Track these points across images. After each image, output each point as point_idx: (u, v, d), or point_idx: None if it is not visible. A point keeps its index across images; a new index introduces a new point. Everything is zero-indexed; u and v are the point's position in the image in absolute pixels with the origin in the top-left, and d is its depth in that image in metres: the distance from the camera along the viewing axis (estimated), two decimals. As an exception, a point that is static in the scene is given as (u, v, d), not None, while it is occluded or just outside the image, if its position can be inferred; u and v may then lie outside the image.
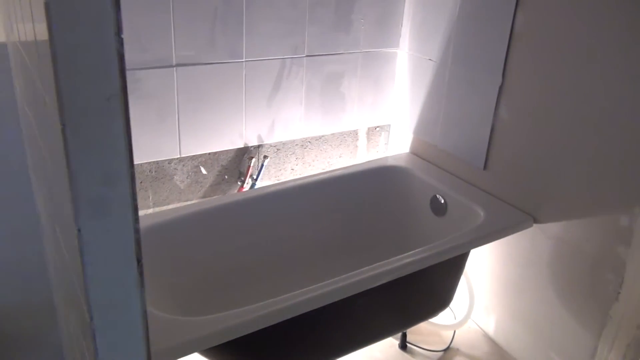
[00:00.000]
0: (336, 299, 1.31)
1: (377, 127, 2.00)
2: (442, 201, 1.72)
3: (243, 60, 1.62)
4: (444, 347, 1.74)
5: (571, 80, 1.39)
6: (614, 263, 1.36)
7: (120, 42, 0.57)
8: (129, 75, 1.44)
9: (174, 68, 1.52)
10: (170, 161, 1.63)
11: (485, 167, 1.67)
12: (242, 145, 1.72)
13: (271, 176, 1.83)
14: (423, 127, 1.87)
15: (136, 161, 1.56)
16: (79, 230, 0.63)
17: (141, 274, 0.69)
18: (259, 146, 1.76)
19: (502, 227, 1.55)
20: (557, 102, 1.43)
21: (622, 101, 1.28)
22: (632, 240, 1.31)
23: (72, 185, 0.60)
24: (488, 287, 1.75)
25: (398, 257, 1.40)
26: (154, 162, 1.60)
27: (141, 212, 1.63)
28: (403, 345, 1.72)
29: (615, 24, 1.27)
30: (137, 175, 1.58)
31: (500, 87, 1.57)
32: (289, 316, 1.24)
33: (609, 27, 1.28)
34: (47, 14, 0.52)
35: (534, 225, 1.55)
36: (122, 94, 0.59)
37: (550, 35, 1.42)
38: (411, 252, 1.42)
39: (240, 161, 1.75)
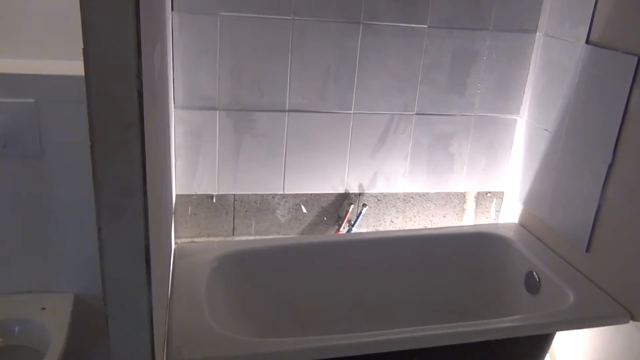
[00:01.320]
0: (404, 348, 1.31)
1: (489, 193, 1.96)
2: (537, 279, 1.62)
3: (351, 112, 1.73)
4: None
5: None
6: None
7: (140, 83, 0.72)
8: (246, 115, 1.65)
9: (287, 113, 1.69)
10: (274, 196, 1.79)
11: (587, 250, 1.54)
12: (343, 191, 1.82)
13: (369, 225, 1.90)
14: (533, 199, 1.79)
15: (243, 192, 1.75)
16: (99, 228, 0.78)
17: (149, 275, 0.83)
18: (359, 194, 1.84)
19: (593, 317, 1.42)
20: (668, 189, 1.29)
21: None
22: None
23: (96, 192, 0.76)
24: (579, 382, 1.58)
25: (471, 322, 1.37)
26: (259, 194, 1.77)
27: (243, 238, 1.81)
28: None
29: None
30: (242, 205, 1.77)
31: (610, 166, 1.46)
32: (346, 354, 1.28)
33: None
34: (84, 57, 0.69)
35: (631, 322, 1.39)
36: (140, 125, 0.74)
37: (666, 116, 1.30)
38: (487, 320, 1.38)
39: (340, 205, 1.85)
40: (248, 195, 1.77)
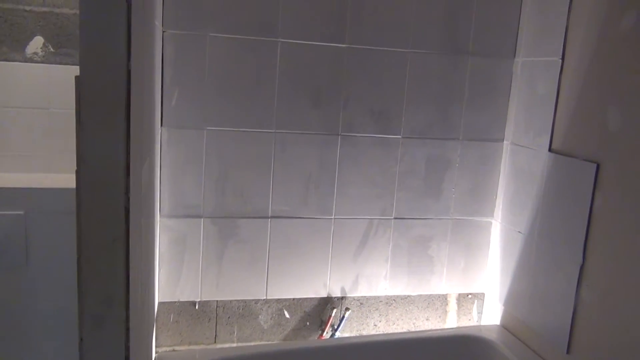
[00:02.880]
0: None
1: (470, 294, 1.98)
2: (522, 382, 1.61)
3: (332, 217, 1.80)
4: None
5: (649, 267, 1.31)
6: None
7: (127, 200, 0.77)
8: (230, 222, 1.70)
9: (269, 219, 1.75)
10: (257, 301, 1.80)
11: (568, 351, 1.55)
12: (325, 295, 1.84)
13: (353, 329, 1.89)
14: (512, 300, 1.82)
15: (226, 298, 1.76)
16: (81, 339, 0.80)
17: (128, 386, 0.83)
18: (342, 298, 1.86)
19: (579, 422, 1.40)
20: None
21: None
22: None
23: (79, 301, 0.79)
24: None
25: None
26: (242, 300, 1.78)
27: (225, 345, 1.79)
28: None
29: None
30: (225, 311, 1.77)
31: (582, 267, 1.51)
32: None
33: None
34: (77, 178, 0.75)
35: None
36: (125, 238, 0.78)
37: (630, 219, 1.37)
38: None
39: (322, 310, 1.85)
40: (231, 301, 1.78)
